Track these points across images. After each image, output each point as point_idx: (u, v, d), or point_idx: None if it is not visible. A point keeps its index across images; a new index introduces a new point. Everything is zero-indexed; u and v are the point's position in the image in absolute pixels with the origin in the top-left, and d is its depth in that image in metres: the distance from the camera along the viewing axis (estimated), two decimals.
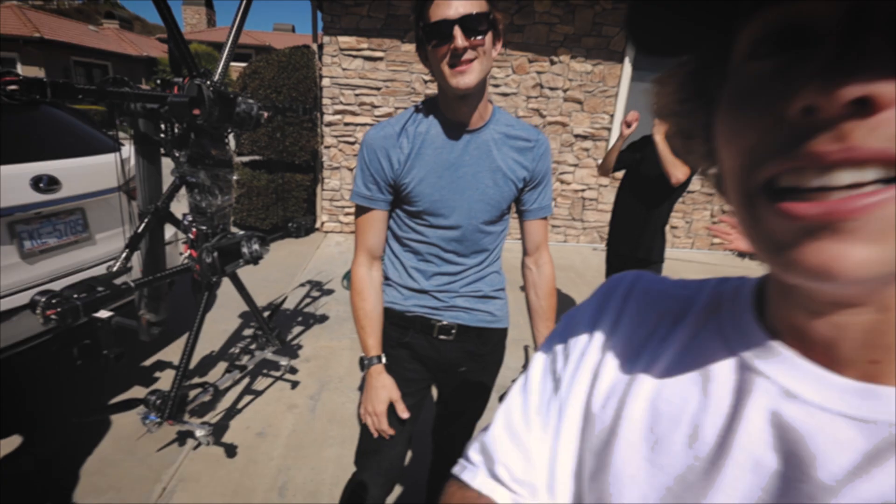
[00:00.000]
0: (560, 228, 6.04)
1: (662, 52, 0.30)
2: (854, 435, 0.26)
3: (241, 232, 2.10)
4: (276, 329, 2.47)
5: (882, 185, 0.21)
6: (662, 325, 0.38)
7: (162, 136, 1.92)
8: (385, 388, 1.21)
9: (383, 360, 1.22)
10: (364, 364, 1.22)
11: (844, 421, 0.27)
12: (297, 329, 3.20)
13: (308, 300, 3.68)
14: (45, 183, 2.22)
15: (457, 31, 0.99)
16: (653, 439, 0.34)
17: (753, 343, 0.32)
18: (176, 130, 1.88)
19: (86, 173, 2.49)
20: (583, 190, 5.86)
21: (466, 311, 1.27)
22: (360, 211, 1.21)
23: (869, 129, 0.21)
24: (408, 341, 1.27)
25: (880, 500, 0.24)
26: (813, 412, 0.28)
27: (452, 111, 1.12)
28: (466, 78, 1.02)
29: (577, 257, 5.51)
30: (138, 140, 1.95)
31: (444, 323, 1.25)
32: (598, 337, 0.41)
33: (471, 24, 1.00)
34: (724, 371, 0.33)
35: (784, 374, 0.30)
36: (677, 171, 2.20)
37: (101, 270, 2.49)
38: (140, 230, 2.00)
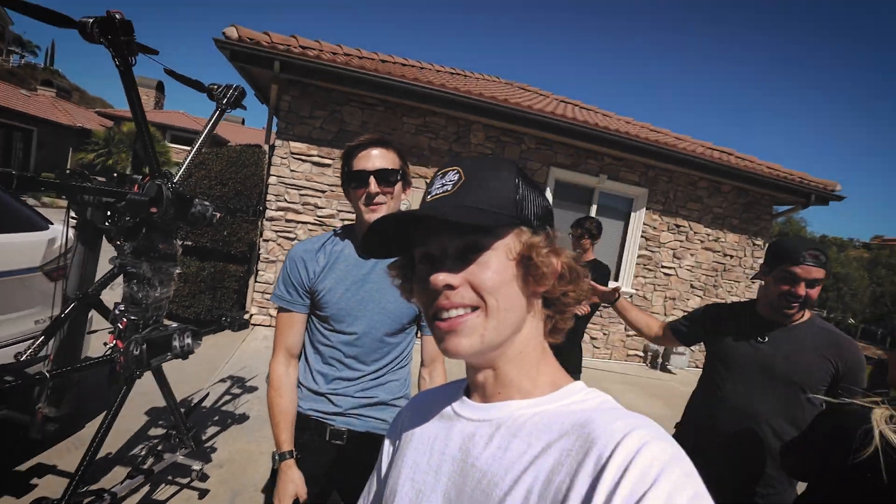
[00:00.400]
0: None
1: (382, 257, 0.64)
2: (486, 429, 0.56)
3: (174, 324, 2.05)
4: (192, 429, 2.31)
5: (464, 313, 0.54)
6: (429, 408, 0.67)
7: (107, 224, 1.93)
8: (293, 483, 1.26)
9: (295, 455, 1.29)
10: (275, 459, 1.29)
11: (484, 423, 0.57)
12: (212, 429, 2.97)
13: (228, 397, 3.46)
14: None
15: (372, 180, 1.26)
16: (413, 464, 0.62)
17: (459, 400, 0.63)
18: (126, 222, 1.90)
19: (3, 251, 2.37)
20: None
21: (358, 418, 1.36)
22: (281, 312, 1.37)
23: (454, 294, 0.54)
24: (304, 442, 1.34)
25: (494, 454, 0.53)
26: (475, 424, 0.58)
27: None
28: (376, 214, 1.27)
29: None
30: (82, 226, 1.94)
31: (336, 427, 1.34)
32: (391, 432, 0.73)
33: (384, 176, 1.27)
34: (445, 418, 0.63)
35: (465, 411, 0.61)
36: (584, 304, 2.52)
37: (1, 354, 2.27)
38: (63, 315, 1.91)
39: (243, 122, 29.77)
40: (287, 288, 1.35)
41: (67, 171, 1.68)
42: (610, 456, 0.43)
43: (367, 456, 1.34)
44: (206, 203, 1.98)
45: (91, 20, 1.50)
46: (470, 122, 5.95)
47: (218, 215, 2.06)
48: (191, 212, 1.91)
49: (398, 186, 1.31)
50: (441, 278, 0.54)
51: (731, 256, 7.13)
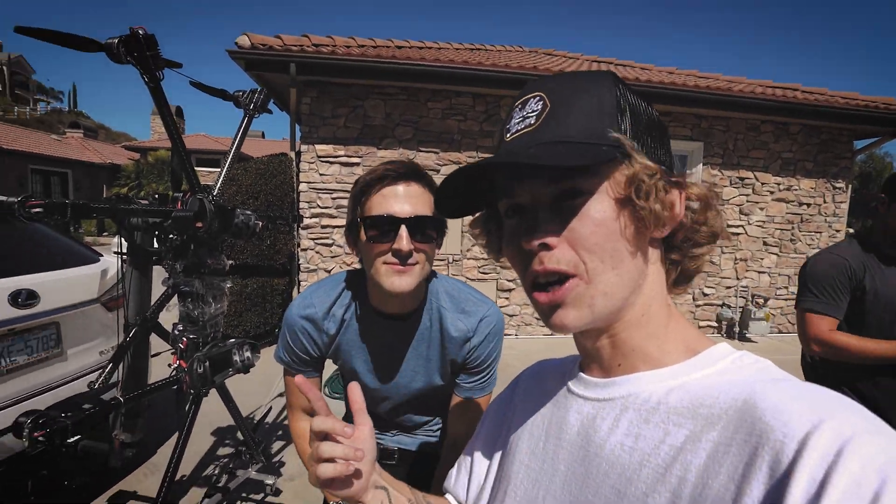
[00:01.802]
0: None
1: (458, 215, 0.57)
2: (609, 410, 0.49)
3: (232, 339, 2.15)
4: (261, 444, 2.42)
5: (564, 283, 0.46)
6: (545, 383, 0.62)
7: (157, 246, 2.05)
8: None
9: None
10: None
11: (605, 403, 0.50)
12: (278, 444, 3.10)
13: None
14: (24, 298, 2.26)
15: (403, 231, 0.93)
16: (529, 451, 0.57)
17: (574, 377, 0.56)
18: (173, 241, 2.01)
19: (64, 286, 2.55)
20: None
21: (409, 435, 1.27)
22: (289, 377, 1.17)
23: (549, 257, 0.46)
24: None
25: (623, 442, 0.46)
26: (595, 404, 0.51)
27: (381, 302, 1.07)
28: (405, 280, 0.95)
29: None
30: (133, 252, 2.06)
31: (386, 446, 1.25)
32: (508, 401, 0.68)
33: (421, 226, 0.95)
34: (560, 397, 0.57)
35: (581, 388, 0.54)
36: None
37: (72, 387, 2.44)
38: (127, 341, 2.04)
39: (263, 136, 30.73)
40: (290, 357, 1.14)
41: (112, 197, 1.78)
42: (795, 458, 0.33)
43: (422, 474, 1.22)
44: (248, 212, 2.06)
45: (117, 40, 1.58)
46: (499, 97, 5.89)
47: (260, 224, 2.13)
48: (234, 223, 1.99)
49: (434, 241, 1.00)
50: (534, 238, 0.46)
51: (809, 205, 6.74)
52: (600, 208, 0.45)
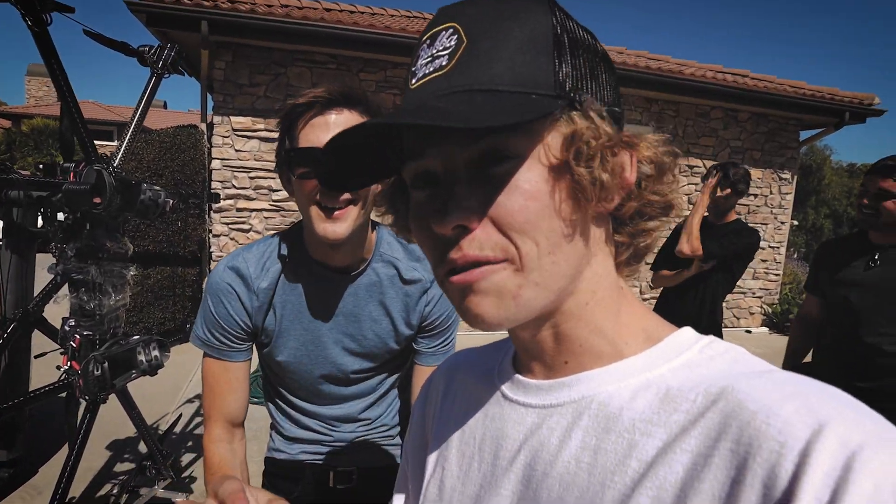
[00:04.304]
0: None
1: (354, 187, 0.50)
2: (557, 419, 0.44)
3: (135, 336, 2.05)
4: (169, 456, 2.33)
5: (486, 267, 0.40)
6: (468, 384, 0.58)
7: (42, 226, 1.91)
8: None
9: None
10: None
11: (552, 411, 0.45)
12: (188, 456, 2.99)
13: (199, 419, 3.47)
14: None
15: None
16: (461, 472, 0.52)
17: (509, 379, 0.50)
18: (62, 221, 1.88)
19: None
20: None
21: (368, 450, 1.19)
22: (209, 360, 1.07)
23: (470, 241, 0.39)
24: (299, 496, 1.17)
25: (579, 457, 0.41)
26: (539, 412, 0.46)
27: (320, 254, 1.04)
28: (338, 227, 0.93)
29: None
30: (11, 232, 1.91)
31: (341, 469, 1.18)
32: (423, 409, 0.64)
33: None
34: (492, 404, 0.51)
35: (520, 394, 0.48)
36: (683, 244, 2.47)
37: None
38: (3, 339, 1.89)
39: (165, 106, 29.06)
40: (212, 332, 1.05)
41: None
42: (797, 476, 0.30)
43: (384, 492, 1.19)
44: (157, 188, 1.97)
45: None
46: None
47: (171, 202, 2.04)
48: (139, 199, 1.89)
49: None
50: (448, 220, 0.39)
51: (756, 195, 7.31)
52: (531, 177, 0.39)
